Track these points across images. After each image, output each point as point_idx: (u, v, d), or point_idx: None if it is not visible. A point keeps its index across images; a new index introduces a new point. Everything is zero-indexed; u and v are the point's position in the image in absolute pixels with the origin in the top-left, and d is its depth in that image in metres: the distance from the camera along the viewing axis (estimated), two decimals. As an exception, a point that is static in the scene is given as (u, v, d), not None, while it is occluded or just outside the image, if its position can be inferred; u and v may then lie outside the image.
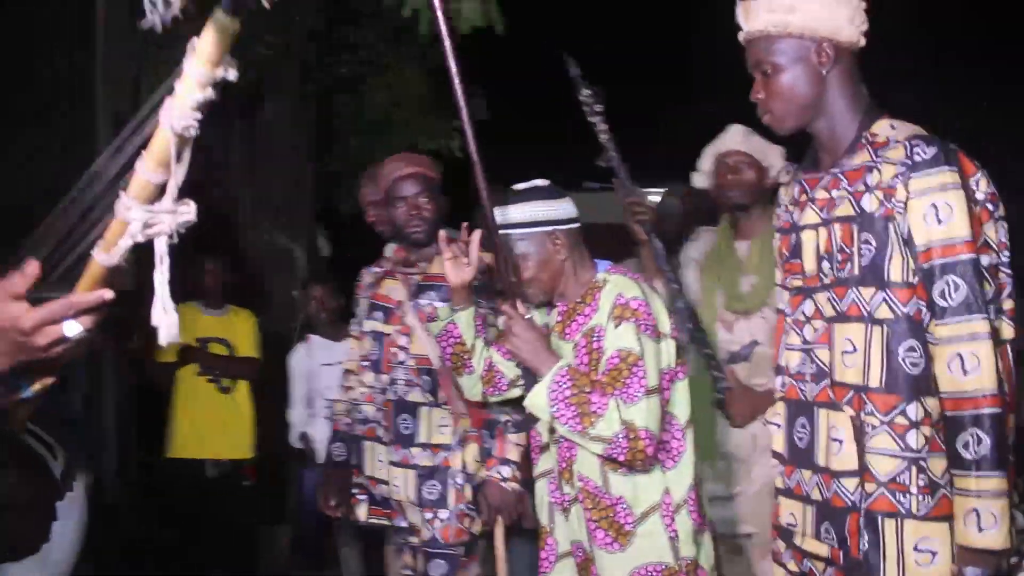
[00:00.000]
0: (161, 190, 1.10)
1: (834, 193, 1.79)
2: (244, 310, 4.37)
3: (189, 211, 1.11)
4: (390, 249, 3.10)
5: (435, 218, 2.79)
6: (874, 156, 1.74)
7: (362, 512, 2.89)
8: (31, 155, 3.68)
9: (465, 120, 1.97)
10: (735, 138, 2.85)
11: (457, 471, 2.72)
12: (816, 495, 1.81)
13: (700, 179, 2.98)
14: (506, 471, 2.64)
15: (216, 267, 4.24)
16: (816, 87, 1.80)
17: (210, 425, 4.16)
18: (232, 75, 1.06)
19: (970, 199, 1.67)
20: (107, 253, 1.14)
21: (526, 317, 2.19)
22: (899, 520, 1.68)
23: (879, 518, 1.70)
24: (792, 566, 1.89)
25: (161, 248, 1.11)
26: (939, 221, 1.65)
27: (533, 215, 2.25)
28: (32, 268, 1.15)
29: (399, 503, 2.78)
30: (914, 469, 1.67)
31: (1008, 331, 1.70)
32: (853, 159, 1.78)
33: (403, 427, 2.76)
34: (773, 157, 2.83)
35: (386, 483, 2.79)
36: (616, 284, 2.20)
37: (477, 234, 2.30)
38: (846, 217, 1.76)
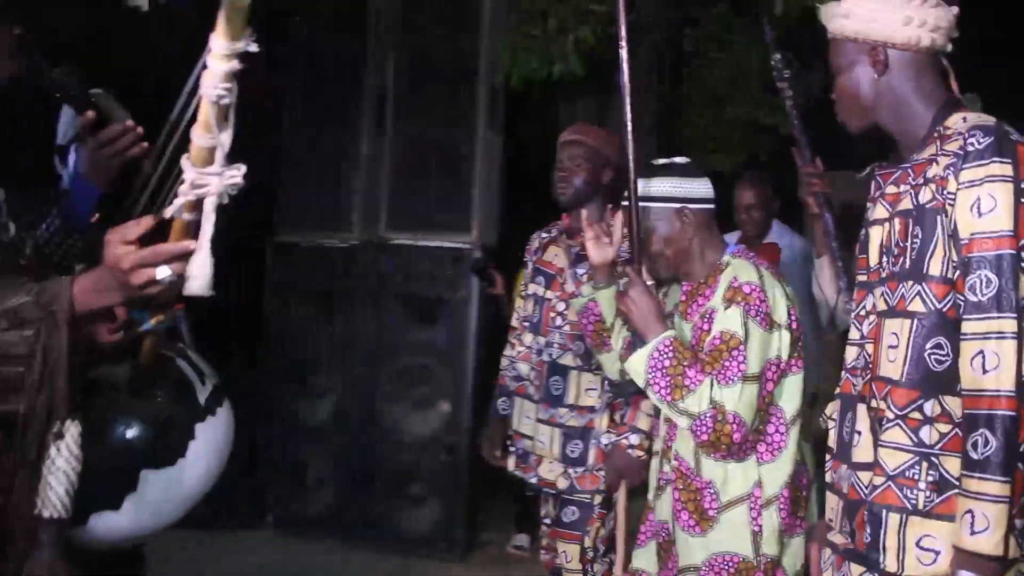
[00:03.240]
0: (213, 154, 1.26)
1: (901, 188, 1.77)
2: None
3: (237, 174, 1.25)
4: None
5: (583, 184, 2.84)
6: (939, 149, 1.71)
7: (511, 463, 3.03)
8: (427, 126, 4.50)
9: (626, 97, 2.19)
10: None
11: (600, 432, 2.82)
12: (845, 489, 1.80)
13: None
14: (634, 439, 2.70)
15: None
16: (872, 89, 1.80)
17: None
18: (253, 47, 1.20)
19: (1022, 193, 1.59)
20: (179, 207, 1.31)
21: (647, 283, 2.21)
22: (904, 515, 1.65)
23: (883, 512, 1.68)
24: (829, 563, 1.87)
25: (208, 206, 1.27)
26: (980, 213, 1.60)
27: (664, 190, 2.27)
28: (146, 220, 1.35)
29: (539, 458, 2.90)
30: (924, 464, 1.64)
31: None
32: (923, 153, 1.75)
33: (554, 388, 2.87)
34: None
35: (530, 438, 2.92)
36: (735, 267, 2.20)
37: (620, 214, 2.35)
38: (906, 211, 1.73)
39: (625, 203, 2.23)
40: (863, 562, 1.72)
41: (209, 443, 2.12)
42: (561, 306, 2.89)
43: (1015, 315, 1.55)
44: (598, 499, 2.83)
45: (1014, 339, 1.54)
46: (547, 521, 3.00)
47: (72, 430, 1.64)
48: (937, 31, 1.78)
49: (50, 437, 1.53)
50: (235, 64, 1.21)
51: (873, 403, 1.73)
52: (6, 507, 1.52)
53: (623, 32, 2.22)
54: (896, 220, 1.76)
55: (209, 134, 1.24)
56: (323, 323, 4.76)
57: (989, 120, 1.69)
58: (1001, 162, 1.60)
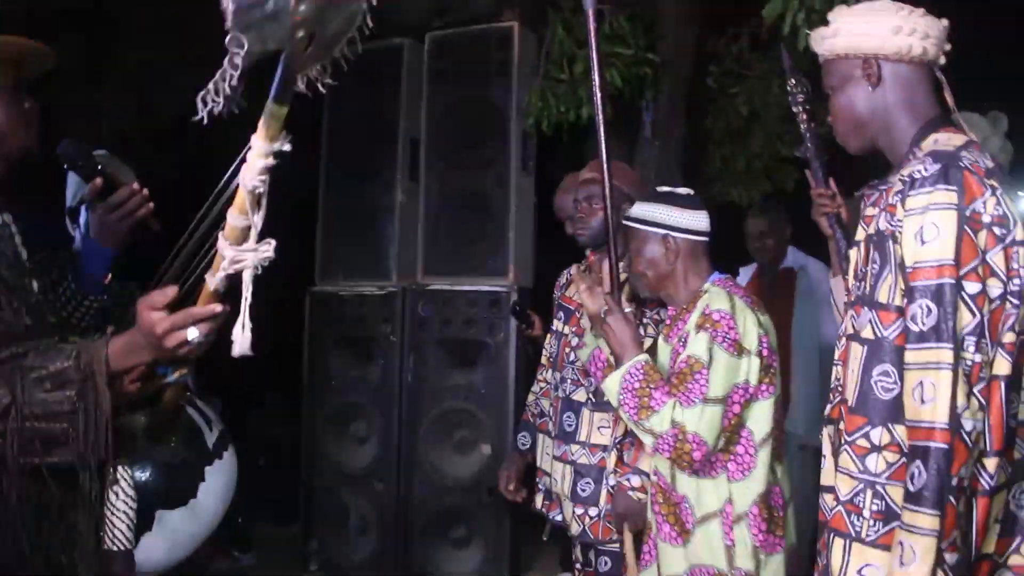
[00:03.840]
0: (247, 233, 1.42)
1: (875, 211, 1.75)
2: None
3: (268, 249, 1.42)
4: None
5: (601, 223, 2.77)
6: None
7: (538, 501, 3.03)
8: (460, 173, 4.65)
9: (600, 129, 2.38)
10: None
11: (610, 472, 2.81)
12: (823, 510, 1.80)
13: None
14: (636, 480, 2.70)
15: None
16: (867, 104, 1.79)
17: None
18: (287, 147, 1.39)
19: (966, 221, 1.56)
20: (213, 277, 1.46)
21: (625, 311, 2.36)
22: (847, 541, 1.65)
23: (831, 536, 1.69)
24: None
25: (247, 278, 1.42)
26: (923, 241, 1.57)
27: (654, 216, 2.43)
28: (171, 289, 1.50)
29: (558, 496, 2.91)
30: (869, 493, 1.63)
31: (1004, 366, 1.57)
32: (896, 175, 1.72)
33: (567, 424, 2.88)
34: None
35: (549, 475, 2.95)
36: (710, 295, 2.33)
37: (606, 264, 2.47)
38: (870, 236, 1.73)
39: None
40: None
41: (217, 484, 2.32)
42: (575, 340, 2.91)
43: (951, 345, 1.52)
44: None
45: (950, 370, 1.51)
46: (577, 567, 2.97)
47: (124, 474, 1.76)
48: (927, 39, 1.76)
49: (108, 482, 1.64)
50: (271, 161, 1.38)
51: (840, 425, 1.74)
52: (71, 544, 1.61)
53: (595, 64, 2.40)
54: (862, 244, 1.76)
55: (244, 216, 1.41)
56: (362, 370, 4.81)
57: (949, 146, 1.66)
58: (946, 190, 1.57)
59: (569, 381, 2.89)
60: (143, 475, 2.15)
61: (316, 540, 4.80)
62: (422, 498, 4.55)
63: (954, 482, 1.49)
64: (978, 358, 1.53)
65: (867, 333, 1.66)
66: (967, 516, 1.55)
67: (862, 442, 1.64)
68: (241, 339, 1.41)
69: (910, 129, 1.76)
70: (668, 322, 2.47)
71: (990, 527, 1.60)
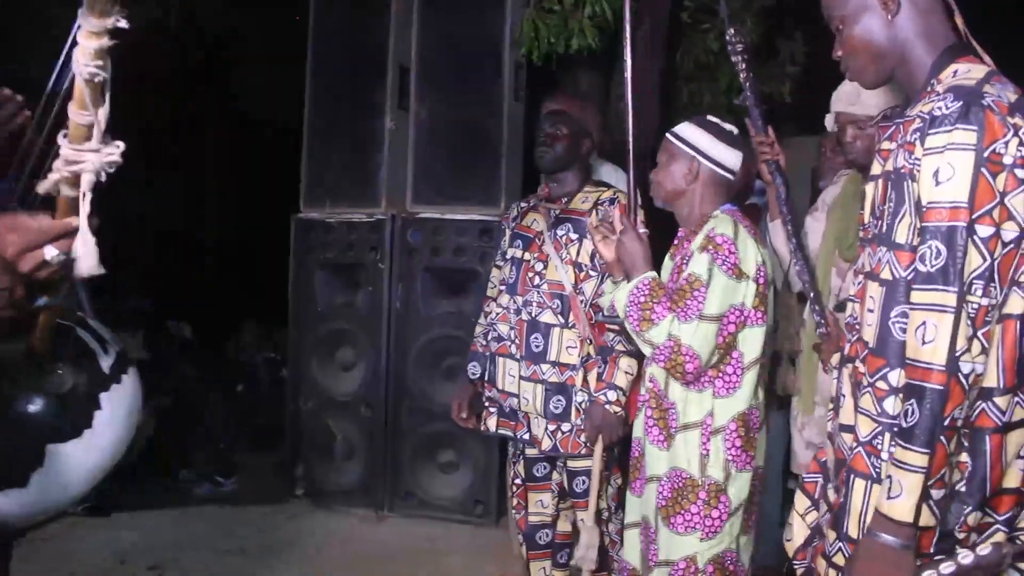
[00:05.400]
0: (90, 132, 1.26)
1: (892, 145, 1.70)
2: None
3: (115, 151, 1.26)
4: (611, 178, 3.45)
5: (564, 152, 3.05)
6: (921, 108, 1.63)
7: (492, 423, 3.15)
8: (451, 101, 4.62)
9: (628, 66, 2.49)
10: (841, 100, 2.80)
11: (580, 389, 2.96)
12: (837, 445, 1.79)
13: (831, 126, 2.95)
14: (612, 395, 2.85)
15: None
16: (885, 33, 1.70)
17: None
18: (123, 23, 1.21)
19: (984, 163, 1.51)
20: (46, 182, 1.30)
21: (639, 231, 2.52)
22: (869, 483, 1.65)
23: (851, 476, 1.68)
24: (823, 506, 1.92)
25: (85, 184, 1.27)
26: (938, 182, 1.53)
27: (690, 137, 2.55)
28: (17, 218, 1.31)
29: (526, 415, 3.03)
30: (887, 435, 1.62)
31: (1019, 305, 1.57)
32: (914, 109, 1.66)
33: (534, 345, 3.00)
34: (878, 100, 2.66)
35: (516, 396, 3.04)
36: (717, 221, 2.46)
37: (617, 211, 2.60)
38: (888, 172, 1.68)
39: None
40: (835, 524, 1.74)
41: (116, 411, 2.09)
42: (539, 266, 3.04)
43: (956, 289, 1.51)
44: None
45: (952, 313, 1.51)
46: (518, 481, 3.16)
47: None
48: None
49: None
50: (106, 41, 1.21)
51: (856, 365, 1.72)
52: None
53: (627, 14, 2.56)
54: (881, 180, 1.72)
55: (85, 111, 1.24)
56: (350, 297, 4.82)
57: (970, 80, 1.60)
58: (965, 129, 1.53)
59: (535, 304, 3.01)
60: (28, 407, 1.98)
61: (302, 465, 4.84)
62: (410, 424, 4.62)
63: (946, 423, 1.51)
64: (984, 301, 1.52)
65: (885, 274, 1.65)
66: (973, 453, 1.59)
67: (881, 384, 1.63)
68: (84, 256, 1.27)
69: (927, 59, 1.68)
70: (676, 242, 2.62)
71: (1010, 463, 1.61)
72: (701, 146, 2.53)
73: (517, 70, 4.53)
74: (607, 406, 2.85)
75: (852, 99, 2.75)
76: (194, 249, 6.31)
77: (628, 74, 2.54)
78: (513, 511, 3.25)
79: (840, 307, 2.70)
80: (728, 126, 2.58)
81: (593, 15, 4.48)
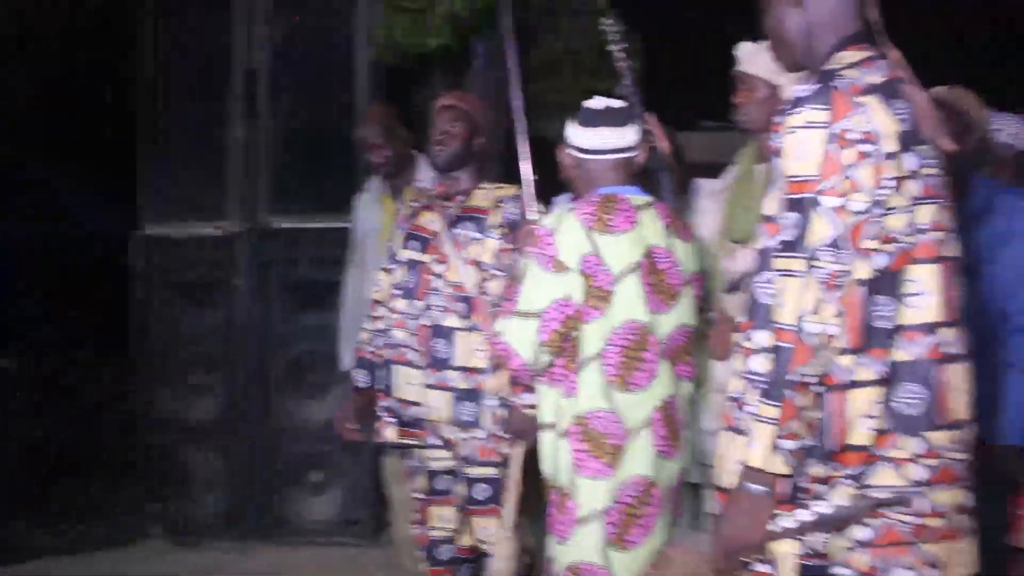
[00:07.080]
0: None
1: None
2: None
3: None
4: (428, 180, 3.34)
5: (460, 148, 2.97)
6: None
7: (391, 433, 2.97)
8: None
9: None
10: (738, 58, 2.72)
11: (490, 394, 2.84)
12: None
13: None
14: (528, 398, 2.72)
15: None
16: (794, 21, 1.79)
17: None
18: None
19: (833, 139, 1.63)
20: None
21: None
22: (733, 435, 1.74)
23: (722, 431, 1.79)
24: None
25: None
26: (793, 158, 1.66)
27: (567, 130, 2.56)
28: None
29: (432, 423, 2.89)
30: (751, 392, 1.70)
31: (864, 271, 1.67)
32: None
33: (437, 351, 2.87)
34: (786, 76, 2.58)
35: (418, 404, 2.90)
36: (553, 212, 2.53)
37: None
38: (774, 151, 1.77)
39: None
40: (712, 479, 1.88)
41: None
42: (439, 268, 2.92)
43: (805, 255, 1.63)
44: (503, 472, 2.87)
45: (799, 277, 1.63)
46: (420, 496, 3.02)
47: None
48: None
49: None
50: None
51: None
52: None
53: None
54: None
55: None
56: (201, 318, 4.53)
57: (838, 65, 1.71)
58: (814, 109, 1.65)
59: (436, 308, 2.89)
60: None
61: (160, 503, 4.51)
62: (274, 447, 4.39)
63: (794, 378, 1.61)
64: (835, 267, 1.63)
65: (758, 244, 1.75)
66: (820, 409, 1.67)
67: (747, 344, 1.72)
68: None
69: (826, 47, 1.77)
70: None
71: (854, 421, 1.70)
72: (567, 133, 2.54)
73: (374, 70, 4.37)
74: (525, 410, 2.73)
75: (749, 59, 2.67)
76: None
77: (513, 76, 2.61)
78: (412, 527, 3.10)
79: (730, 290, 2.71)
80: (615, 103, 2.51)
81: (453, 15, 4.40)
